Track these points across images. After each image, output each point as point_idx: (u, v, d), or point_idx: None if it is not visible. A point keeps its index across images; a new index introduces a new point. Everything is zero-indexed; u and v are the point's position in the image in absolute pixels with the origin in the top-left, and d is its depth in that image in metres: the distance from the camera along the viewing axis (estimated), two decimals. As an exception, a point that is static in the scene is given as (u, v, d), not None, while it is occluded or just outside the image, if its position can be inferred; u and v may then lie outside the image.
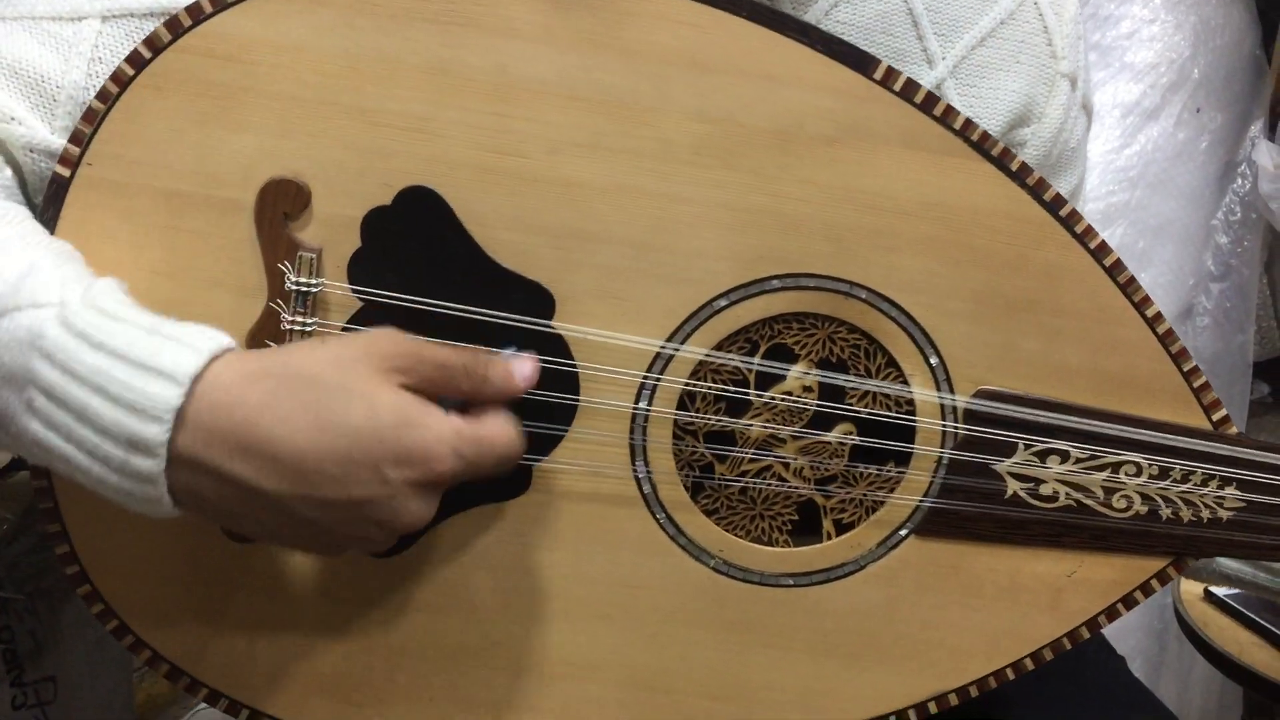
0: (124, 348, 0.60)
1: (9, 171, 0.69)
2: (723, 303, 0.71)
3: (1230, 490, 0.76)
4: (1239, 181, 1.77)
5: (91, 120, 0.67)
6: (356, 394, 0.61)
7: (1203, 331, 1.74)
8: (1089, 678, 0.89)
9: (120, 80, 0.66)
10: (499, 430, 0.64)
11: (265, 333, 0.69)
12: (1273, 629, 1.25)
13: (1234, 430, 0.76)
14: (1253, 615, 1.27)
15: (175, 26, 0.66)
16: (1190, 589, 1.33)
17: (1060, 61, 0.86)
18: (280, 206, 0.68)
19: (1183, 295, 1.71)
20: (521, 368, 0.67)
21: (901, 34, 0.79)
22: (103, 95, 0.66)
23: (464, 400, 0.65)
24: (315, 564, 0.74)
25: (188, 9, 0.66)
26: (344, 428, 0.60)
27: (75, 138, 0.67)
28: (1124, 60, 1.66)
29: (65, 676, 0.95)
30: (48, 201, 0.68)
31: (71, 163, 0.67)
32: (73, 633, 0.95)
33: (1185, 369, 0.75)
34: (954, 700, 0.78)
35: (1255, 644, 1.24)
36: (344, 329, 0.69)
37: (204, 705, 0.73)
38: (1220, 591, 1.30)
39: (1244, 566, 1.18)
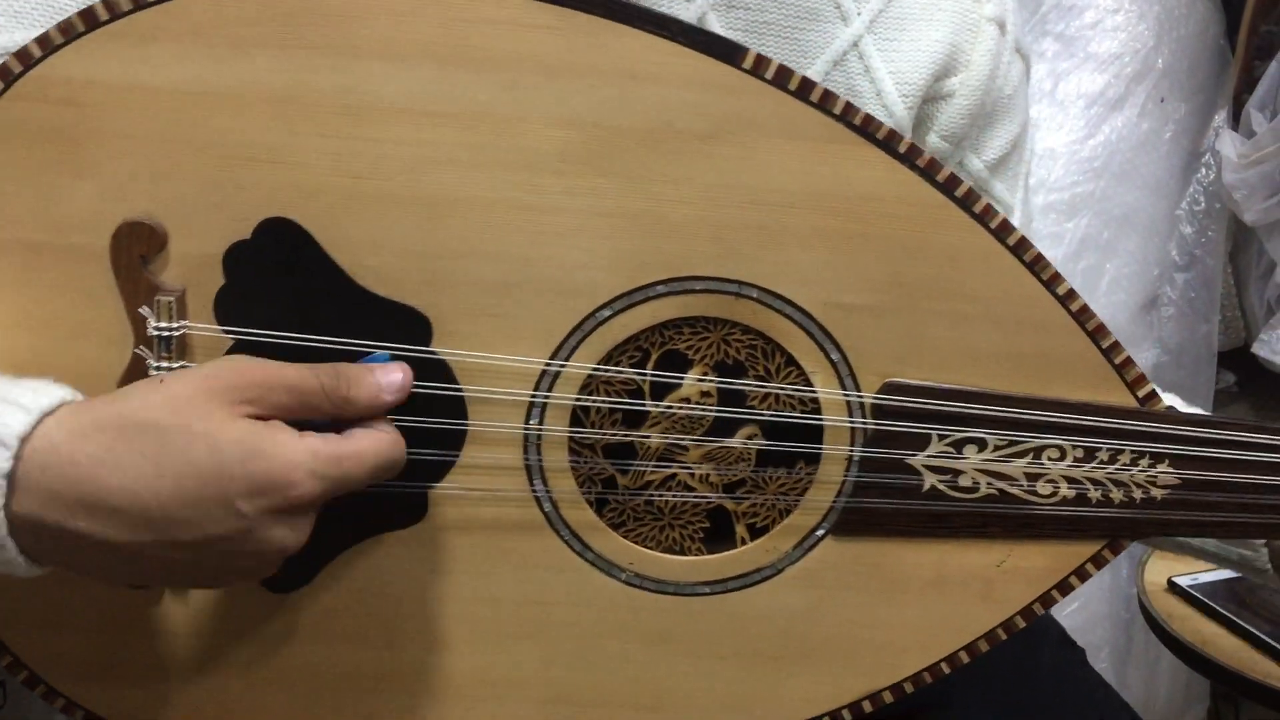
0: None
1: None
2: (607, 313, 0.68)
3: (1163, 468, 0.72)
4: (1203, 171, 1.74)
5: (-67, 177, 0.65)
6: (196, 433, 0.58)
7: (1168, 321, 1.72)
8: (1044, 671, 0.87)
9: (-44, 134, 0.64)
10: (366, 442, 0.61)
11: (133, 380, 0.67)
12: (1236, 620, 1.22)
13: (1162, 405, 0.72)
14: (1217, 606, 1.24)
15: (5, 74, 0.63)
16: (1154, 580, 1.30)
17: (984, 5, 0.82)
18: (135, 250, 0.65)
19: (1147, 285, 1.69)
20: (390, 380, 0.63)
21: None
22: (-61, 151, 0.64)
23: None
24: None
25: (16, 55, 0.63)
26: (186, 470, 0.58)
27: (-80, 195, 0.65)
28: (1088, 50, 1.63)
29: (14, 685, 0.94)
30: (-100, 262, 0.66)
31: (-81, 221, 0.65)
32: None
33: (1104, 345, 0.71)
34: (889, 698, 0.75)
35: (1219, 634, 1.22)
36: (216, 369, 0.67)
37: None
38: (1184, 582, 1.28)
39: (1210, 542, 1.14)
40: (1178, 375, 1.71)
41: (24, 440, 0.58)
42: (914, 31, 0.80)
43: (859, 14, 0.78)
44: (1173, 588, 1.31)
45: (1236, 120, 1.68)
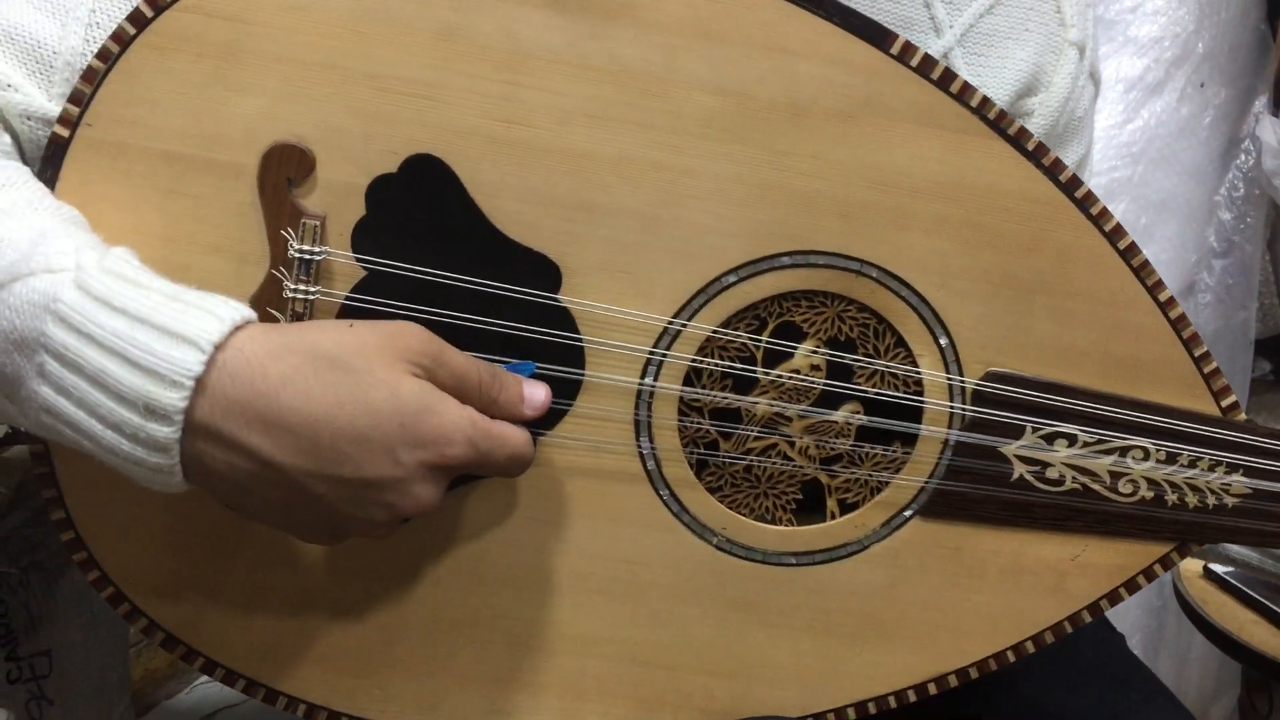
0: (146, 312, 0.59)
1: (7, 138, 0.68)
2: (731, 279, 0.70)
3: (1236, 477, 0.75)
4: (1242, 157, 1.75)
5: (91, 80, 0.65)
6: (379, 378, 0.61)
7: (1205, 308, 1.73)
8: (1087, 654, 0.89)
9: (121, 39, 0.65)
10: (511, 431, 0.65)
11: (266, 300, 0.67)
12: (1272, 606, 1.24)
13: (1242, 417, 0.76)
14: (1252, 593, 1.26)
15: (178, -15, 0.64)
16: (1190, 566, 1.32)
17: (1069, 30, 0.85)
18: (284, 172, 0.66)
19: (1185, 271, 1.69)
20: (534, 395, 0.67)
21: (908, 1, 0.77)
22: (103, 54, 0.65)
23: None
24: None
25: (190, -33, 0.64)
26: (364, 408, 0.60)
27: (75, 97, 0.65)
28: (1128, 34, 1.64)
29: (61, 651, 0.94)
30: (45, 162, 0.66)
31: (71, 123, 0.65)
32: (68, 607, 0.94)
33: (1196, 354, 0.74)
34: (953, 681, 0.78)
35: (1254, 621, 1.24)
36: (347, 298, 0.68)
37: (203, 679, 0.72)
38: (1219, 569, 1.30)
39: (1249, 551, 1.17)
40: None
41: (218, 347, 0.59)
42: (1001, 49, 0.82)
43: (951, 26, 0.81)
44: (1208, 574, 1.32)
45: (1277, 106, 1.68)
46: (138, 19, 0.65)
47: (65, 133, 0.65)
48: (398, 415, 0.60)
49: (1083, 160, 0.92)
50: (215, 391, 0.59)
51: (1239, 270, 1.74)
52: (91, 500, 0.70)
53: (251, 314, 0.61)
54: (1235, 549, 1.16)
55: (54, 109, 0.67)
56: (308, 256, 0.67)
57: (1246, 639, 1.22)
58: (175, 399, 0.58)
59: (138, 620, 0.73)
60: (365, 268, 0.68)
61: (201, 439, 0.59)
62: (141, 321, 0.59)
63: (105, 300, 0.60)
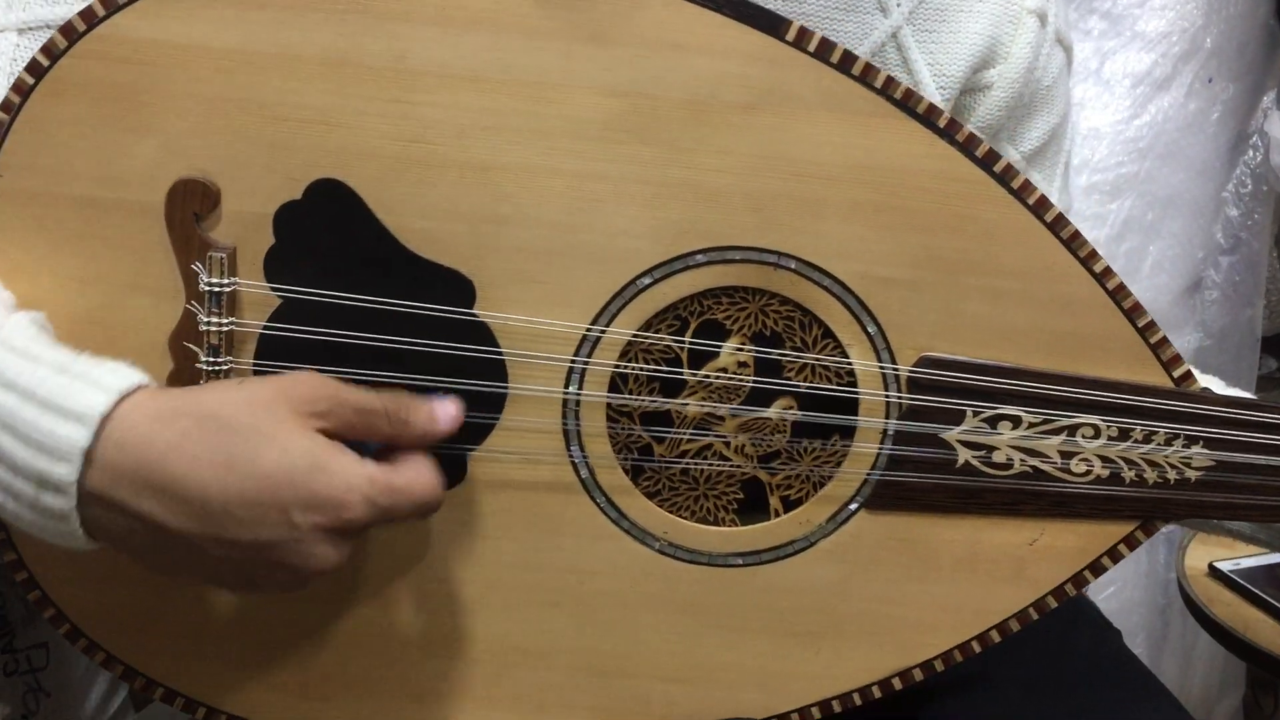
0: (33, 386, 0.61)
1: None
2: (647, 280, 0.70)
3: (1197, 449, 0.73)
4: (1250, 153, 1.71)
5: (-2, 132, 0.67)
6: (268, 437, 0.60)
7: (1211, 305, 1.70)
8: (1079, 651, 0.86)
9: (21, 89, 0.66)
10: (416, 477, 0.64)
11: (184, 335, 0.68)
12: (1278, 604, 1.21)
13: (1197, 386, 0.73)
14: (1258, 591, 1.23)
15: (70, 32, 0.65)
16: (1194, 564, 1.29)
17: None
18: (189, 206, 0.67)
19: (1191, 268, 1.66)
20: (445, 410, 0.66)
21: None
22: (5, 106, 0.66)
23: (385, 445, 0.65)
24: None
25: (81, 14, 0.65)
26: (253, 470, 0.60)
27: (-16, 150, 0.67)
28: (1135, 29, 1.61)
29: (58, 643, 0.96)
30: (-37, 215, 0.68)
31: (-18, 175, 0.67)
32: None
33: (1140, 324, 0.71)
34: (918, 675, 0.76)
35: (1260, 620, 1.21)
36: (264, 326, 0.69)
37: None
38: (1225, 567, 1.27)
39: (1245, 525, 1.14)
40: (1220, 360, 1.68)
41: (105, 419, 0.60)
42: (953, 23, 0.80)
43: (898, 5, 0.79)
44: (1214, 572, 1.29)
45: (1286, 102, 1.66)
46: (35, 68, 0.66)
47: (-23, 184, 0.67)
48: (288, 476, 0.60)
49: (1058, 129, 0.90)
50: (104, 462, 0.60)
51: (1246, 267, 1.71)
52: (40, 541, 0.72)
53: (141, 379, 0.62)
54: (1233, 523, 1.13)
55: None
56: (218, 289, 0.67)
57: (1252, 637, 1.18)
58: (65, 472, 0.60)
59: (96, 654, 0.74)
60: (279, 296, 0.69)
61: (97, 506, 0.61)
62: (28, 398, 0.60)
63: None
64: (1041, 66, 0.84)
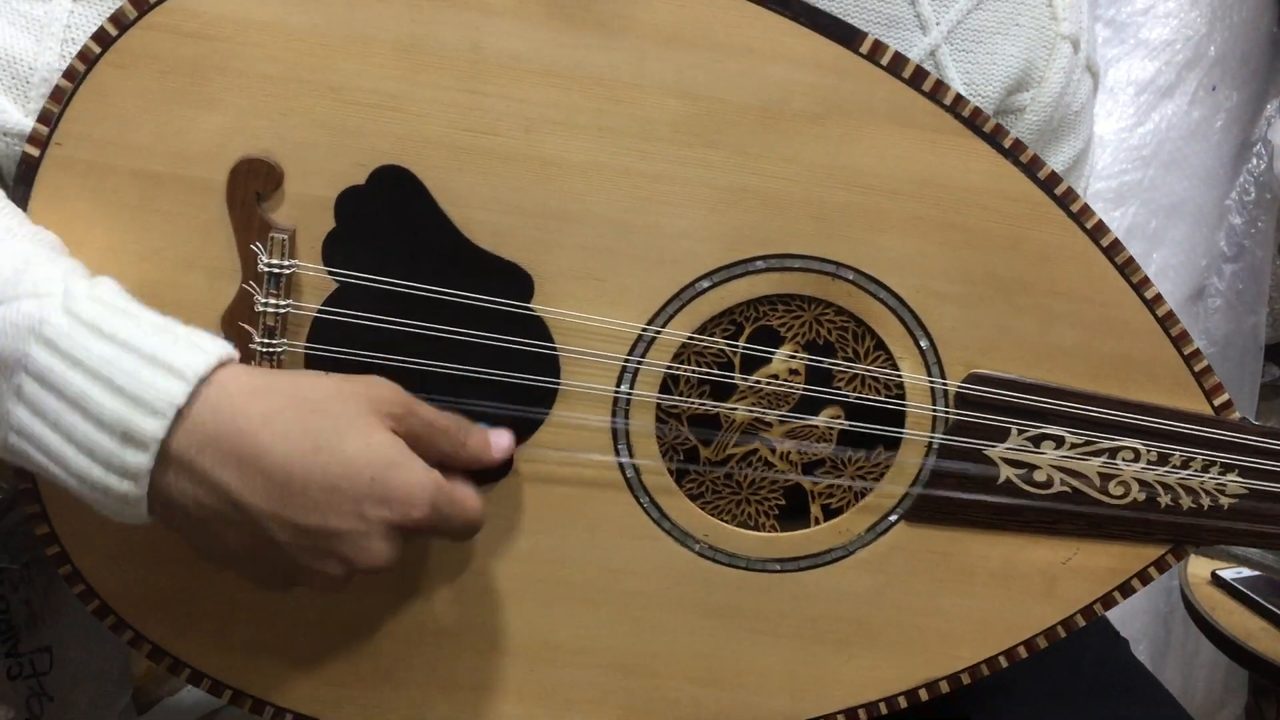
0: (135, 340, 0.60)
1: None
2: (705, 284, 0.70)
3: (1231, 477, 0.74)
4: (1254, 161, 1.73)
5: (59, 99, 0.65)
6: (355, 427, 0.61)
7: (1214, 313, 1.71)
8: (1089, 659, 0.88)
9: (87, 58, 0.65)
10: (469, 495, 0.66)
11: (239, 314, 0.68)
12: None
13: (1236, 416, 0.74)
14: (1260, 600, 1.25)
15: (141, 3, 0.64)
16: (1197, 572, 1.31)
17: (1061, 23, 0.83)
18: (252, 186, 0.66)
19: (1195, 276, 1.68)
20: (499, 440, 0.68)
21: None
22: (70, 73, 0.65)
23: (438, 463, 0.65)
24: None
25: (154, -15, 0.64)
26: (338, 456, 0.60)
27: (44, 117, 0.66)
28: (1139, 37, 1.62)
29: (62, 647, 0.95)
30: (18, 181, 0.67)
31: (41, 142, 0.66)
32: (69, 603, 0.95)
33: (1186, 352, 0.72)
34: (945, 687, 0.76)
35: (1263, 629, 1.23)
36: (319, 310, 0.68)
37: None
38: (1228, 575, 1.28)
39: (1254, 552, 1.16)
40: (1223, 368, 1.68)
41: (202, 381, 0.59)
42: (990, 45, 0.81)
43: (938, 24, 0.79)
44: (1216, 580, 1.31)
45: (1289, 110, 1.68)
46: (103, 37, 0.65)
47: (35, 152, 0.66)
48: (368, 466, 0.61)
49: (1082, 154, 0.90)
50: (194, 424, 0.59)
51: (1249, 275, 1.73)
52: (75, 514, 0.71)
53: (235, 353, 0.62)
54: (1254, 550, 1.15)
55: (31, 125, 0.67)
56: (277, 270, 0.67)
57: (1254, 645, 1.20)
58: (154, 427, 0.59)
59: (124, 633, 0.74)
60: (337, 280, 0.68)
61: (173, 470, 0.60)
62: (129, 349, 0.60)
63: (94, 326, 0.60)
64: (1072, 92, 0.85)
